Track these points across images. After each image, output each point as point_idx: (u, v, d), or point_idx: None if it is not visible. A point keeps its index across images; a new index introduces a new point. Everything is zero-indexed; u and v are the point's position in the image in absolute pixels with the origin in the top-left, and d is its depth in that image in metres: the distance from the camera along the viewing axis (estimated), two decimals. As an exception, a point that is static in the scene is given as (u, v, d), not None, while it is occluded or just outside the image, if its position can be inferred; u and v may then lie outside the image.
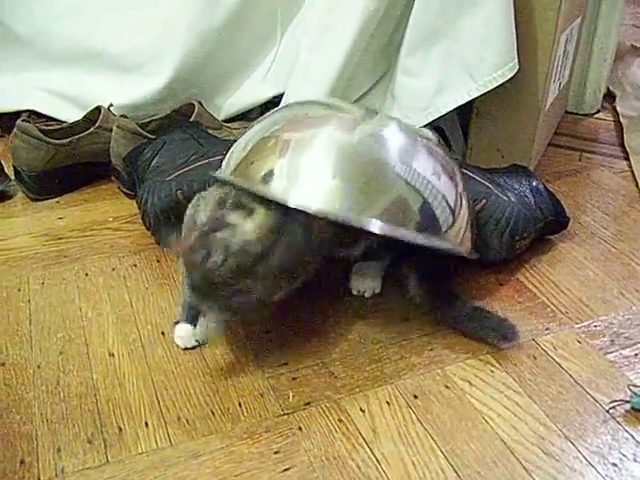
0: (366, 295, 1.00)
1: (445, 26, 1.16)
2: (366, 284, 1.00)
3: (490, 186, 1.07)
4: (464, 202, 0.93)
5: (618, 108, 1.63)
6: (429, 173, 0.88)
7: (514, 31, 1.13)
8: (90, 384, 0.85)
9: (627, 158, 1.42)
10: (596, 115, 1.63)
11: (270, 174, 0.85)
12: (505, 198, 1.05)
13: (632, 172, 1.36)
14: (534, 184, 1.12)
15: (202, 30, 1.30)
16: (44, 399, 0.83)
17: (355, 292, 1.00)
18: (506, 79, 1.15)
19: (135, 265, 1.07)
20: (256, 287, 0.81)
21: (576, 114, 1.63)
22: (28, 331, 0.94)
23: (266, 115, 0.96)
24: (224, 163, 0.93)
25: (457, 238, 0.91)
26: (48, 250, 1.11)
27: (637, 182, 1.32)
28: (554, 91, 1.34)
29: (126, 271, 1.06)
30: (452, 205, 0.90)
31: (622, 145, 1.47)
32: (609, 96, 1.69)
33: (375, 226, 0.83)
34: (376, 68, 1.31)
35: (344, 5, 1.21)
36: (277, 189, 0.84)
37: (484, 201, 1.04)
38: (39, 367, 0.88)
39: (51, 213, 1.21)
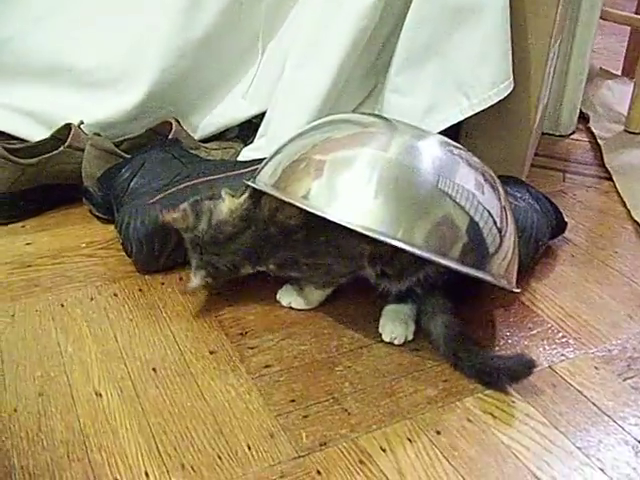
0: (396, 342, 0.90)
1: (438, 44, 1.12)
2: (398, 330, 0.91)
3: None
4: (509, 217, 0.88)
5: (593, 129, 1.63)
6: (472, 186, 0.84)
7: (510, 48, 1.10)
8: (77, 429, 0.76)
9: (610, 178, 1.41)
10: (572, 136, 1.63)
11: (307, 195, 0.83)
12: (521, 206, 1.02)
13: (617, 192, 1.35)
14: (532, 191, 1.12)
15: (179, 45, 1.23)
16: (24, 448, 0.74)
17: (387, 339, 0.91)
18: (501, 97, 1.12)
19: (116, 294, 0.98)
20: (225, 259, 0.92)
21: (552, 135, 1.62)
22: (0, 370, 0.84)
23: (287, 141, 0.92)
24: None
25: (504, 263, 0.86)
26: (16, 279, 1.01)
27: (624, 202, 1.31)
28: (541, 111, 1.32)
29: (106, 301, 0.97)
30: (498, 222, 0.85)
31: (603, 165, 1.46)
32: (582, 117, 1.69)
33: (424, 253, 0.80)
34: (364, 85, 1.26)
35: (332, 22, 1.16)
36: (319, 204, 0.82)
37: None
38: (15, 411, 0.78)
39: (17, 239, 1.11)
